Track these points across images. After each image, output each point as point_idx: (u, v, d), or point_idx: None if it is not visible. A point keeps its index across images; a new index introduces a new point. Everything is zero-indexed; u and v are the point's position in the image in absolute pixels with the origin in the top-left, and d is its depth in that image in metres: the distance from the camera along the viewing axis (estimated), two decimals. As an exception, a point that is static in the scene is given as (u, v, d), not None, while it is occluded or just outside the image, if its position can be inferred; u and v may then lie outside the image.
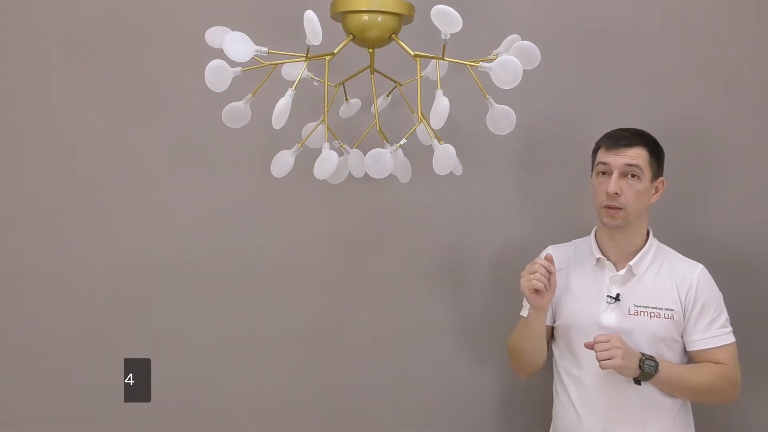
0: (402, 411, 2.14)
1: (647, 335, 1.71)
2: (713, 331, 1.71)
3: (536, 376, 2.06)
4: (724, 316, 1.74)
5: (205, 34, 1.66)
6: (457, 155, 1.62)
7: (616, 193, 1.70)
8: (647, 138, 1.74)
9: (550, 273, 1.71)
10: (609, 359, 1.63)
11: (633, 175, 1.70)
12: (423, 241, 2.12)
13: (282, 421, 2.11)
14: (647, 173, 1.71)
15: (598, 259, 1.79)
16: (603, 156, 1.75)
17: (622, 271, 1.76)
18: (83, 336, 2.04)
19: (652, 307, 1.72)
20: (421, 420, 2.14)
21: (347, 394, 2.13)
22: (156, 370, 2.06)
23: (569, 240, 1.92)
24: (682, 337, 1.73)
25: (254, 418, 2.10)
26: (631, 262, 1.75)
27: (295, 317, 2.10)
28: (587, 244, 1.84)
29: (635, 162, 1.70)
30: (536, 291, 1.71)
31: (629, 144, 1.71)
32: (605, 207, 1.72)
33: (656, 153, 1.74)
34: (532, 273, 1.71)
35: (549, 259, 1.73)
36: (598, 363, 1.65)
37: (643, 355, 1.67)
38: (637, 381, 1.68)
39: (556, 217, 2.10)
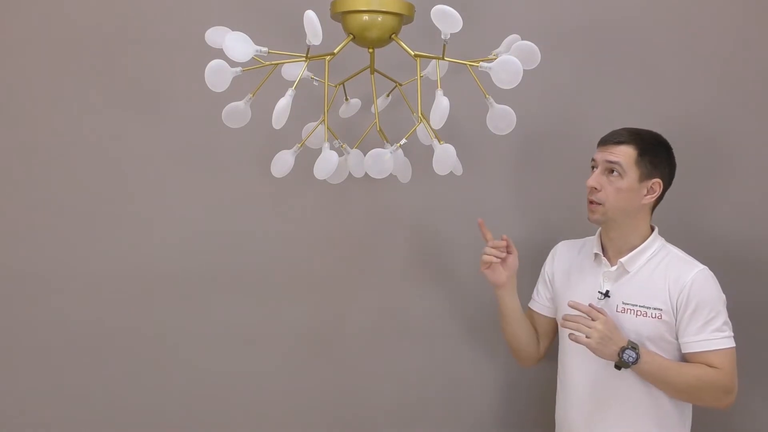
0: (402, 410, 2.14)
1: (633, 333, 1.70)
2: (706, 335, 1.67)
3: (535, 375, 2.07)
4: (721, 319, 1.68)
5: (205, 34, 1.67)
6: (457, 155, 1.62)
7: (595, 188, 1.72)
8: (642, 138, 1.72)
9: (500, 252, 1.82)
10: (582, 335, 1.65)
11: (614, 172, 1.71)
12: (423, 241, 2.12)
13: (282, 420, 2.11)
14: (632, 172, 1.70)
15: (596, 255, 1.80)
16: (595, 152, 1.77)
17: (614, 268, 1.76)
18: (85, 336, 2.04)
19: (640, 306, 1.71)
20: (421, 420, 2.14)
21: (347, 394, 2.13)
22: (157, 370, 2.06)
23: (570, 239, 1.94)
24: (678, 339, 1.71)
25: (255, 417, 2.10)
26: (622, 259, 1.75)
27: (295, 317, 2.10)
28: (593, 240, 1.85)
29: (616, 159, 1.70)
30: (489, 266, 1.82)
31: (617, 141, 1.72)
32: (588, 201, 1.75)
33: (650, 153, 1.72)
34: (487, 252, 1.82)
35: (504, 239, 1.83)
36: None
37: (629, 343, 1.65)
38: (618, 366, 1.67)
39: (556, 217, 2.10)
